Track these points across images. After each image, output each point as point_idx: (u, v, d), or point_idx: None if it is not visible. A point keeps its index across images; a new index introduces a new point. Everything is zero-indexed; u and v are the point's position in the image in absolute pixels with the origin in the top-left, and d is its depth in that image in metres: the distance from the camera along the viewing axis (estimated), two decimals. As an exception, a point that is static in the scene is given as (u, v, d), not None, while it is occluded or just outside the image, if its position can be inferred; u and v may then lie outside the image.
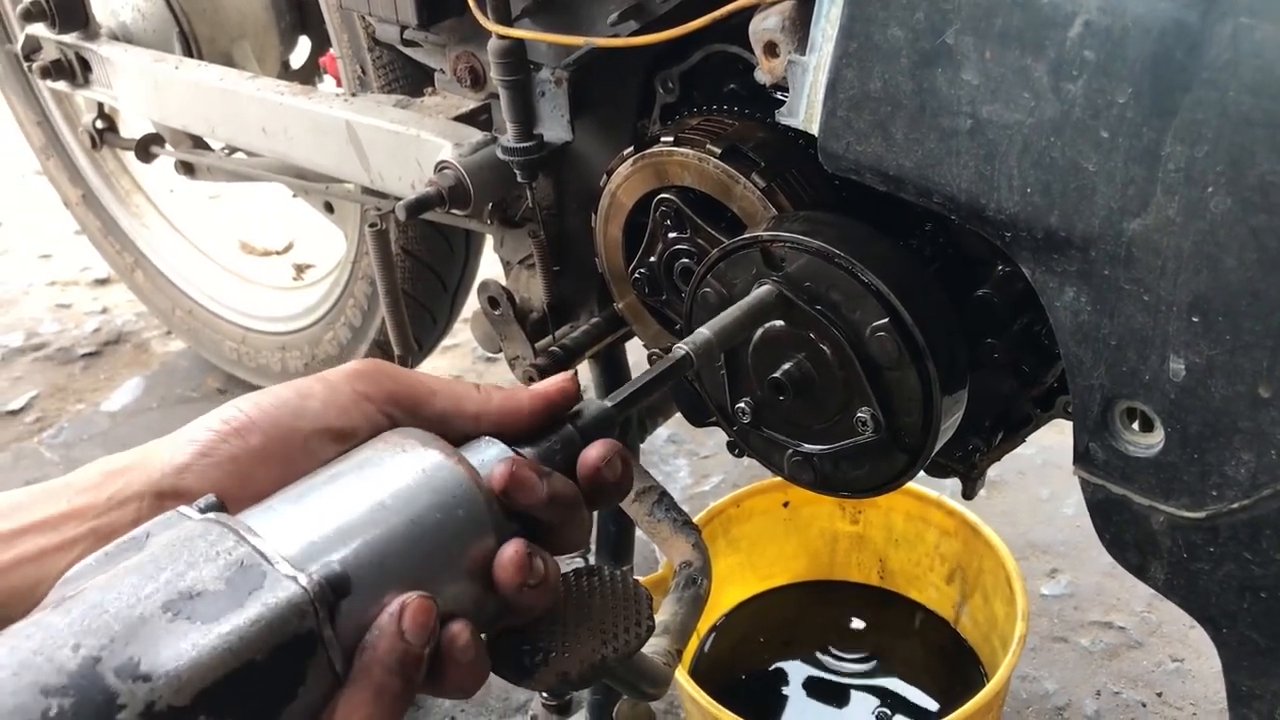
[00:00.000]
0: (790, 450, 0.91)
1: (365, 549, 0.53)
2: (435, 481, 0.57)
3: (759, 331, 0.87)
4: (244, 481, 0.58)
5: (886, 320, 0.80)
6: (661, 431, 1.90)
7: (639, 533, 1.36)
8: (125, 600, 0.48)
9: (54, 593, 0.51)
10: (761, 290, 0.84)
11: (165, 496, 0.58)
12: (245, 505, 0.56)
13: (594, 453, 0.63)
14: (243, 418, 0.60)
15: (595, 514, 1.36)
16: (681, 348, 0.74)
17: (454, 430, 0.63)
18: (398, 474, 0.57)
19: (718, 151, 0.91)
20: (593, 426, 0.65)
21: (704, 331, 0.77)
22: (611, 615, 0.61)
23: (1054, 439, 1.20)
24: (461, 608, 0.55)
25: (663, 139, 0.94)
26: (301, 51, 1.79)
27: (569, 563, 1.40)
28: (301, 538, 0.53)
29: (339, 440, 0.61)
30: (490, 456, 0.60)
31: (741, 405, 0.91)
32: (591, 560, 1.34)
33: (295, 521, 0.54)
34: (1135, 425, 0.73)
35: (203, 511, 0.53)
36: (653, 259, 1.00)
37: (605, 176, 1.00)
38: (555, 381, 0.66)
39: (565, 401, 0.66)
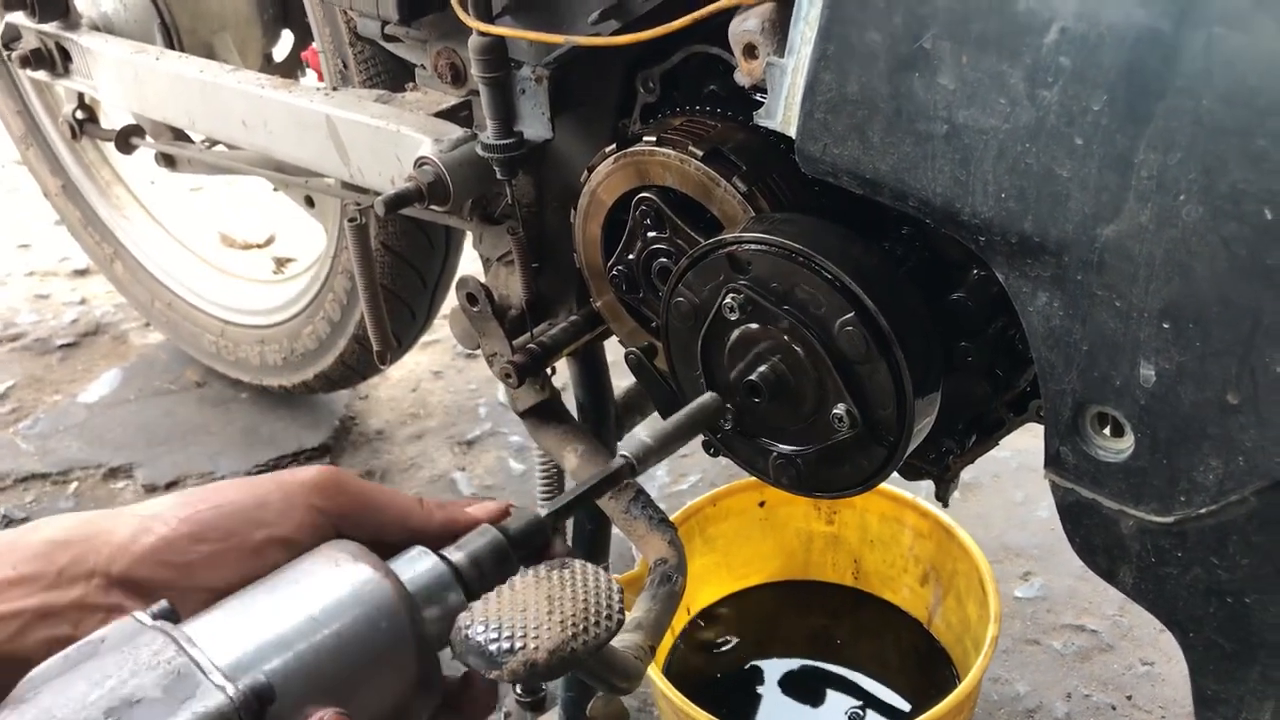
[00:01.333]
0: (774, 454, 0.91)
1: (292, 660, 0.58)
2: (362, 595, 0.61)
3: (734, 334, 0.88)
4: (194, 578, 0.63)
5: (853, 314, 0.81)
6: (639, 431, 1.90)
7: (615, 531, 1.37)
8: (72, 706, 0.53)
9: (16, 691, 0.56)
10: (705, 398, 0.88)
11: (115, 582, 0.62)
12: (191, 595, 0.62)
13: None
14: (201, 520, 0.64)
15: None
16: (622, 456, 0.77)
17: (395, 542, 0.68)
18: (329, 588, 0.61)
19: (700, 154, 0.91)
20: (522, 535, 0.69)
21: (644, 439, 0.80)
22: (582, 607, 0.61)
23: (1028, 442, 1.21)
24: (383, 715, 0.61)
25: (645, 138, 0.94)
26: (284, 45, 1.79)
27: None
28: (236, 649, 0.58)
29: (287, 548, 0.65)
30: (422, 567, 0.65)
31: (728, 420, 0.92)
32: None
33: (233, 633, 0.59)
34: (1106, 430, 0.74)
35: (154, 618, 0.58)
36: (631, 257, 1.00)
37: (586, 174, 1.01)
38: (491, 504, 0.72)
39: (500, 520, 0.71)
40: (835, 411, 0.84)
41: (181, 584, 0.62)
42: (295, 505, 0.66)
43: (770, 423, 0.90)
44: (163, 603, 0.59)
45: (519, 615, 0.60)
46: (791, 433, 0.90)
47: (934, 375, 0.85)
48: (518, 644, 0.59)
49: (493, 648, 0.59)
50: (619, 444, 0.79)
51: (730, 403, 0.90)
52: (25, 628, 0.60)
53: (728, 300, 0.86)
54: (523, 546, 0.68)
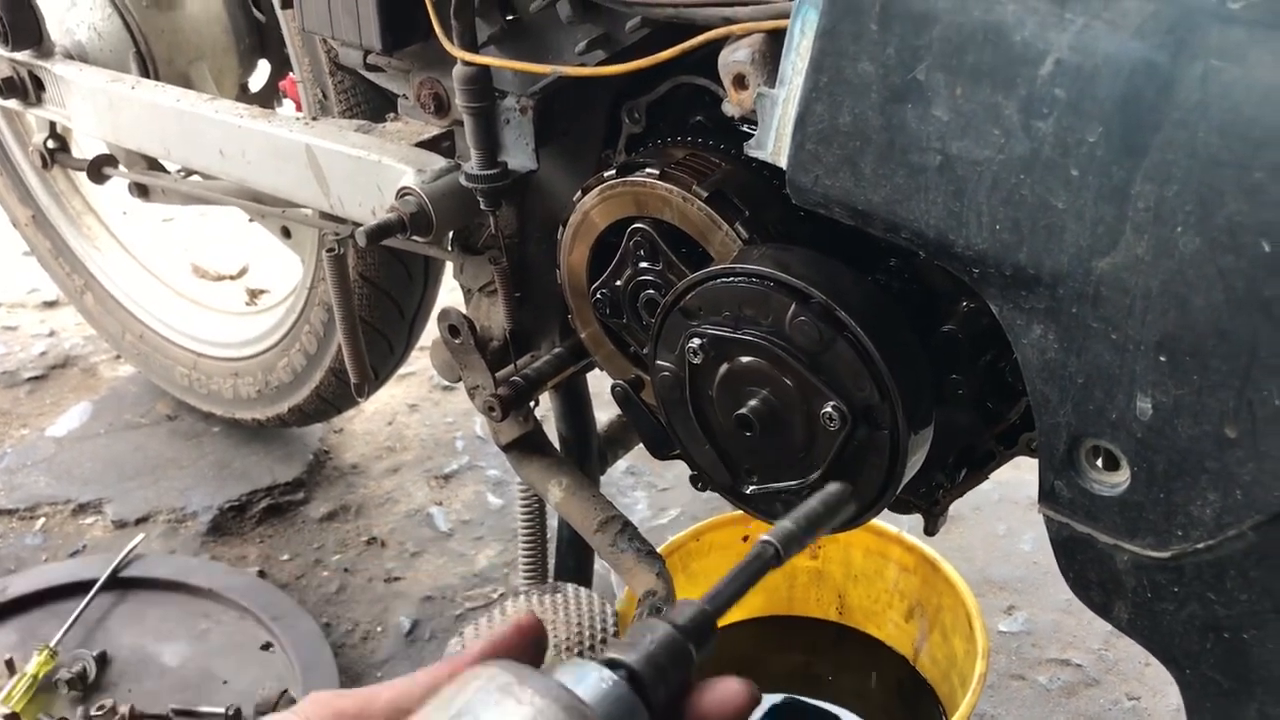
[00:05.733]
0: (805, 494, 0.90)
1: None
2: None
3: (715, 384, 0.88)
4: None
5: (794, 305, 0.81)
6: (620, 464, 1.88)
7: (597, 565, 1.35)
8: None
9: None
10: (834, 486, 0.79)
11: None
12: None
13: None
14: None
15: (555, 544, 1.33)
16: (766, 542, 0.66)
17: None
18: None
19: (704, 194, 0.90)
20: (695, 629, 0.58)
21: (786, 524, 0.71)
22: (576, 630, 0.60)
23: (1011, 475, 1.20)
24: None
25: (648, 169, 0.93)
26: (260, 75, 1.77)
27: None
28: None
29: None
30: (603, 688, 0.53)
31: (749, 480, 0.92)
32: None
33: None
34: (1101, 464, 0.73)
35: None
36: (619, 283, 0.99)
37: (580, 193, 0.99)
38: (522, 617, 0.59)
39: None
40: (825, 413, 0.83)
41: None
42: None
43: (783, 462, 0.89)
44: None
45: None
46: (804, 462, 0.88)
47: (912, 350, 0.84)
48: None
49: None
50: (766, 533, 0.69)
51: (747, 462, 0.89)
52: None
53: (690, 346, 0.87)
54: (697, 642, 0.58)
